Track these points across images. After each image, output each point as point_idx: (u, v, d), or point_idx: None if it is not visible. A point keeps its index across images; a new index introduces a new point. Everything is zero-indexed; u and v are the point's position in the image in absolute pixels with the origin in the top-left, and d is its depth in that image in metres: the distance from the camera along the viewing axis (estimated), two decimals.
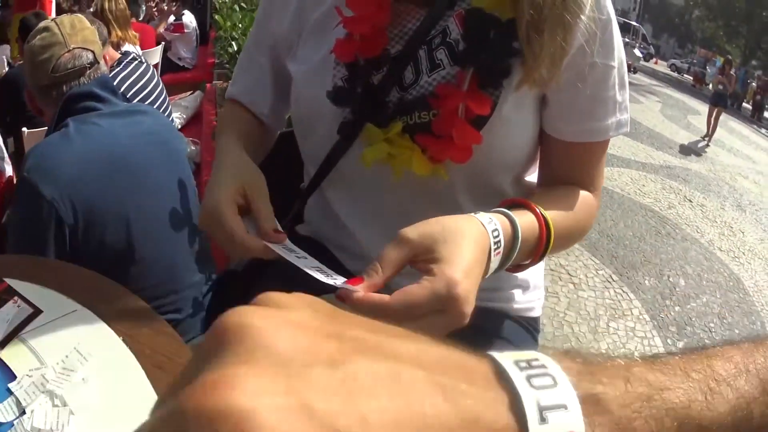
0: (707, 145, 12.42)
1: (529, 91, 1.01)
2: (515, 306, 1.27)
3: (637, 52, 30.68)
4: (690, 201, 7.99)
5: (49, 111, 1.94)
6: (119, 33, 4.81)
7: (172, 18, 7.46)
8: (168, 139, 1.91)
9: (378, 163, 1.04)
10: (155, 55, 5.66)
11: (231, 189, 0.91)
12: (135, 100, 2.81)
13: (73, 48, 1.90)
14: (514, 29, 0.96)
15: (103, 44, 2.84)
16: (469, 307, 0.72)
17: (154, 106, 2.90)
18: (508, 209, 0.89)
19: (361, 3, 1.05)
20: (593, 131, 1.06)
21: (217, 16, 5.38)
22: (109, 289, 1.28)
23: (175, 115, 3.89)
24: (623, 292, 4.77)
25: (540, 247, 0.92)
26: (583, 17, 0.95)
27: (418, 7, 1.07)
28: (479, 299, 1.05)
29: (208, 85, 4.41)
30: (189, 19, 7.33)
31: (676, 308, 4.77)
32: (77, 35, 1.95)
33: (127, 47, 4.78)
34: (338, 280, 0.76)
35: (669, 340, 4.23)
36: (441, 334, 0.68)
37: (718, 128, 13.50)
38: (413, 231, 0.75)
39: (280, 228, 0.89)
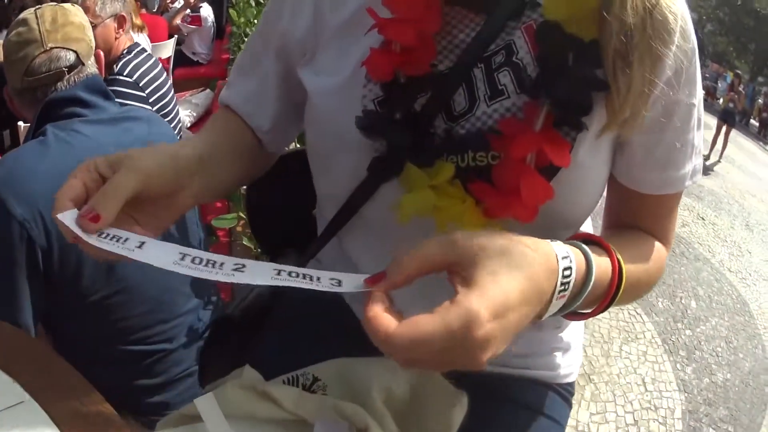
0: (718, 161, 12.43)
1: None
2: (557, 372, 1.08)
3: None
4: (703, 219, 7.98)
5: (27, 115, 1.74)
6: (137, 21, 4.73)
7: (188, 10, 7.25)
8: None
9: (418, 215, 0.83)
10: (167, 48, 5.39)
11: (87, 164, 0.71)
12: (149, 90, 2.66)
13: (51, 48, 1.65)
14: (598, 55, 0.78)
15: (122, 27, 2.66)
16: (487, 354, 0.57)
17: (166, 101, 2.76)
18: (585, 243, 0.75)
19: (403, 1, 0.82)
20: (672, 182, 0.91)
21: (231, 11, 5.26)
22: (67, 377, 1.04)
23: (185, 113, 3.78)
24: (637, 313, 4.72)
25: (607, 296, 0.78)
26: (672, 47, 0.80)
27: (474, 12, 0.86)
28: (515, 366, 0.95)
29: (219, 82, 4.29)
30: (207, 12, 6.98)
31: (687, 332, 4.73)
32: (58, 32, 1.68)
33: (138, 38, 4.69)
34: (322, 283, 0.63)
35: (678, 365, 4.19)
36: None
37: (728, 144, 13.53)
38: (461, 239, 0.62)
39: (100, 215, 0.65)
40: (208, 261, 0.62)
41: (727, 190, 10.31)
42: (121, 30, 2.65)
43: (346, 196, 0.91)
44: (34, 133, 1.59)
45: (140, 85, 2.63)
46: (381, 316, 0.57)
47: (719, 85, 33.85)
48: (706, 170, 11.36)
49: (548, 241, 0.68)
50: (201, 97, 4.18)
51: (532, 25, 0.82)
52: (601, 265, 0.75)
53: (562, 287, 0.67)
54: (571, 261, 0.68)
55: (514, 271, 0.60)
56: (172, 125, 2.72)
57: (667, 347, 4.37)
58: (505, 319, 0.57)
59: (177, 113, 2.91)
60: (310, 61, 0.94)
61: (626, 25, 0.76)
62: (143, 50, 2.81)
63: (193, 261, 0.62)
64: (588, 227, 1.01)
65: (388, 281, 0.61)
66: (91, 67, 1.72)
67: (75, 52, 1.68)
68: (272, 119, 1.02)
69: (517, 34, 0.82)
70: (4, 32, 7.04)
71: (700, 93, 0.88)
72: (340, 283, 0.64)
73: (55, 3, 1.77)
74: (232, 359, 1.04)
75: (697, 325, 4.87)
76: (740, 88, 15.83)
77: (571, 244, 0.72)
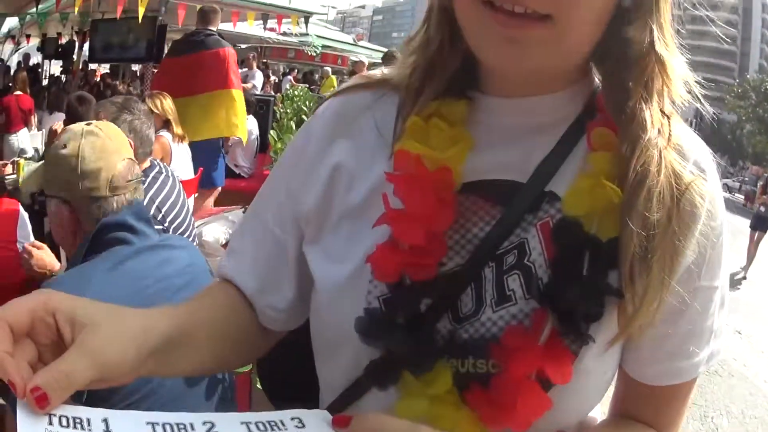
0: (744, 277, 11.19)
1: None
2: None
3: None
4: (739, 333, 7.76)
5: (78, 229, 1.77)
6: (178, 131, 4.77)
7: None
8: (197, 275, 1.74)
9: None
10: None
11: (47, 302, 0.65)
12: (161, 215, 2.72)
13: (127, 158, 1.78)
14: (615, 256, 0.74)
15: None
16: None
17: (177, 224, 2.82)
18: None
19: (416, 192, 0.78)
20: (683, 371, 0.83)
21: (271, 132, 5.46)
22: None
23: (221, 229, 3.81)
24: None
25: None
26: (695, 232, 0.76)
27: (491, 204, 0.81)
28: None
29: None
30: (251, 125, 6.94)
31: None
32: (125, 144, 1.84)
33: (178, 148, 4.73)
34: (287, 427, 0.64)
35: None
36: None
37: (765, 246, 12.24)
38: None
39: (50, 400, 0.58)
40: (177, 426, 0.62)
41: (766, 297, 10.06)
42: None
43: (342, 388, 0.87)
44: (84, 256, 1.65)
45: (158, 218, 2.74)
46: None
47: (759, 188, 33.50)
48: (745, 279, 11.04)
49: None
50: (237, 215, 4.14)
51: (549, 222, 0.79)
52: None
53: None
54: None
55: None
56: None
57: None
58: None
59: (191, 234, 2.94)
60: (318, 240, 0.90)
61: (650, 222, 0.73)
62: (159, 173, 2.97)
63: (163, 428, 0.61)
64: (596, 411, 0.92)
65: (351, 429, 0.65)
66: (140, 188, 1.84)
67: (137, 165, 1.83)
68: (290, 302, 0.95)
69: (531, 232, 0.79)
70: (55, 114, 7.33)
71: (725, 272, 0.83)
72: (302, 423, 0.65)
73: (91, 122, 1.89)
74: None
75: None
76: None
77: None
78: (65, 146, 1.74)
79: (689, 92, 0.79)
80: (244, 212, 3.99)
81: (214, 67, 5.65)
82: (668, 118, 0.78)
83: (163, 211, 2.84)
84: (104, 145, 1.75)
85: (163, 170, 3.10)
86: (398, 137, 0.84)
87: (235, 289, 0.95)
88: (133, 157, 1.85)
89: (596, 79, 0.87)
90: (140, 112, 3.16)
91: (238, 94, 5.84)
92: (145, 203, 2.38)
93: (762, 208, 12.50)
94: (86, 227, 1.74)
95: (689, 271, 0.77)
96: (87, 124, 1.82)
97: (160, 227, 2.71)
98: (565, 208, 0.77)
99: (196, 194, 5.00)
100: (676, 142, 0.78)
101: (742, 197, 33.09)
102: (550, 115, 0.84)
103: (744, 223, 13.06)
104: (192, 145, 5.32)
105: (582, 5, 0.71)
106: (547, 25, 0.71)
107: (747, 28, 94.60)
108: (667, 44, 0.78)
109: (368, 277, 0.81)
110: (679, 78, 0.79)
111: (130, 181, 1.77)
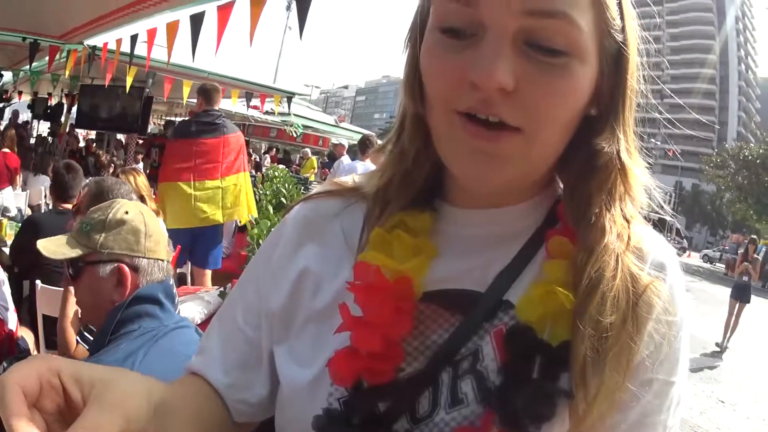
0: (726, 347, 11.05)
1: None
2: None
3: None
4: (722, 402, 7.77)
5: (115, 299, 1.80)
6: (153, 206, 4.73)
7: None
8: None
9: None
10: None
11: (49, 363, 0.66)
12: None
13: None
14: (566, 359, 0.75)
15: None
16: None
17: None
18: None
19: (374, 302, 0.82)
20: None
21: (247, 216, 5.42)
22: None
23: (196, 309, 3.80)
24: None
25: None
26: (648, 326, 0.77)
27: (450, 312, 0.84)
28: None
29: (233, 280, 4.25)
30: None
31: None
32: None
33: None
34: None
35: None
36: None
37: (749, 313, 11.81)
38: None
39: None
40: None
41: (748, 363, 10.10)
42: None
43: None
44: (115, 325, 1.70)
45: None
46: None
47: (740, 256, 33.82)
48: (728, 349, 11.03)
49: None
50: (213, 295, 4.05)
51: (502, 329, 0.80)
52: None
53: None
54: None
55: None
56: None
57: None
58: None
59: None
60: (284, 341, 0.93)
61: (602, 325, 0.74)
62: None
63: None
64: None
65: None
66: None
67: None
68: (260, 395, 0.97)
69: (486, 339, 0.81)
70: (40, 176, 7.35)
71: (683, 371, 0.82)
72: None
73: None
74: None
75: None
76: (756, 255, 13.12)
77: None
78: (126, 212, 1.84)
79: (650, 199, 0.83)
80: (220, 294, 4.01)
81: (236, 151, 5.89)
82: (628, 222, 0.81)
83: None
84: (153, 216, 1.86)
85: None
86: (362, 247, 0.89)
87: (206, 383, 0.97)
88: None
89: (559, 188, 0.91)
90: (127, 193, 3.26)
91: (247, 176, 6.11)
92: None
93: (744, 278, 12.01)
94: (119, 297, 1.78)
95: (643, 364, 0.77)
96: (126, 201, 1.94)
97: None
98: (518, 315, 0.79)
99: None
100: (635, 245, 0.80)
101: (723, 266, 33.27)
102: (513, 226, 0.87)
103: (725, 293, 12.94)
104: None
105: (552, 119, 0.75)
106: (517, 138, 0.74)
107: (724, 96, 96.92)
108: (631, 152, 0.82)
109: (330, 381, 0.84)
110: (640, 185, 0.83)
111: (167, 258, 1.85)
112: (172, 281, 1.92)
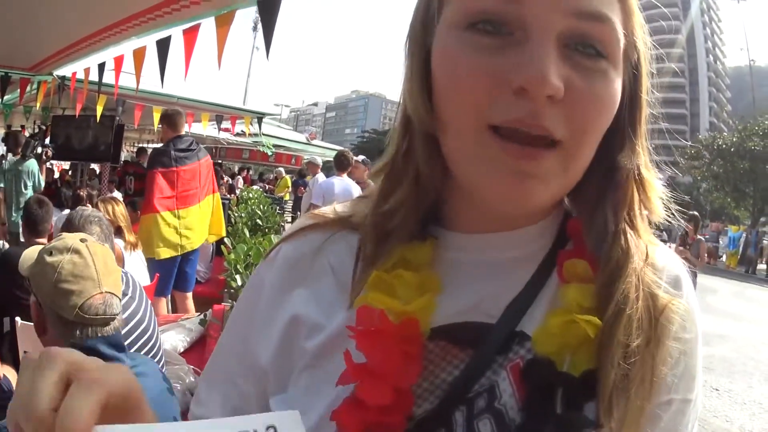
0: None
1: None
2: None
3: None
4: (717, 390, 7.77)
5: (50, 339, 1.74)
6: (131, 238, 4.81)
7: None
8: (160, 405, 1.67)
9: None
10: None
11: (129, 373, 0.61)
12: (130, 340, 2.60)
13: (105, 291, 1.68)
14: (592, 389, 0.70)
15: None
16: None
17: (145, 339, 2.69)
18: None
19: (380, 348, 0.74)
20: None
21: (225, 240, 5.38)
22: None
23: (178, 337, 3.72)
24: None
25: None
26: (671, 350, 0.74)
27: (459, 347, 0.77)
28: None
29: (214, 306, 4.08)
30: None
31: None
32: (110, 275, 1.72)
33: (130, 257, 4.71)
34: None
35: None
36: None
37: (735, 300, 11.95)
38: None
39: None
40: None
41: (739, 350, 10.12)
42: None
43: None
44: None
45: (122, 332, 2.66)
46: None
47: (720, 242, 34.16)
48: (717, 336, 11.07)
49: None
50: (194, 322, 4.06)
51: (519, 363, 0.74)
52: None
53: None
54: None
55: None
56: (156, 359, 2.73)
57: None
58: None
59: (159, 347, 2.85)
60: (280, 392, 0.85)
61: (630, 351, 0.70)
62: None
63: None
64: None
65: None
66: (120, 319, 1.74)
67: (119, 299, 1.71)
68: None
69: (502, 375, 0.75)
70: (64, 211, 7.22)
71: (699, 386, 0.80)
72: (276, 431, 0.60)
73: (84, 239, 1.78)
74: None
75: None
76: (699, 236, 11.38)
77: None
78: (51, 254, 1.69)
79: (667, 210, 0.80)
80: (201, 321, 3.95)
81: (208, 174, 6.10)
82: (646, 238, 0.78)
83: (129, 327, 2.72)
84: (84, 269, 1.66)
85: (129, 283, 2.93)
86: (359, 284, 0.80)
87: None
88: (117, 292, 1.73)
89: (565, 205, 0.86)
90: (97, 233, 3.18)
91: (217, 196, 6.35)
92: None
93: (688, 267, 10.00)
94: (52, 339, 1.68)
95: (664, 384, 0.74)
96: (81, 240, 1.75)
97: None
98: (535, 348, 0.74)
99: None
100: (650, 261, 0.76)
101: (706, 255, 33.63)
102: (522, 250, 0.81)
103: (710, 281, 13.11)
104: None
105: (594, 130, 0.70)
106: (557, 153, 0.69)
107: (694, 88, 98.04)
108: (648, 167, 0.78)
109: (333, 428, 0.75)
110: (658, 198, 0.79)
111: (101, 316, 1.66)
112: (119, 332, 1.76)
